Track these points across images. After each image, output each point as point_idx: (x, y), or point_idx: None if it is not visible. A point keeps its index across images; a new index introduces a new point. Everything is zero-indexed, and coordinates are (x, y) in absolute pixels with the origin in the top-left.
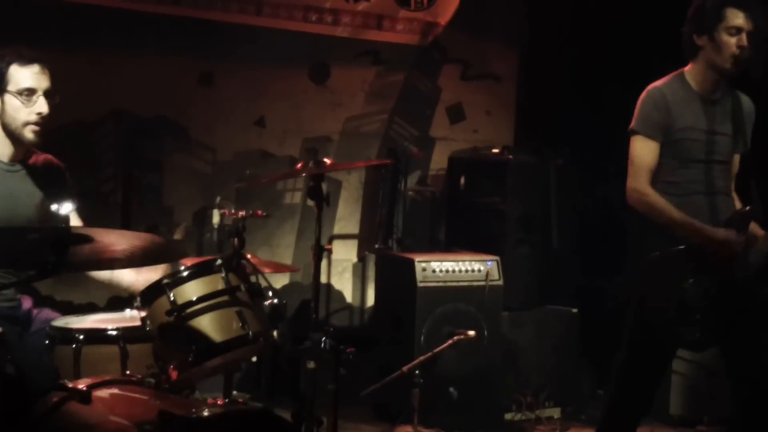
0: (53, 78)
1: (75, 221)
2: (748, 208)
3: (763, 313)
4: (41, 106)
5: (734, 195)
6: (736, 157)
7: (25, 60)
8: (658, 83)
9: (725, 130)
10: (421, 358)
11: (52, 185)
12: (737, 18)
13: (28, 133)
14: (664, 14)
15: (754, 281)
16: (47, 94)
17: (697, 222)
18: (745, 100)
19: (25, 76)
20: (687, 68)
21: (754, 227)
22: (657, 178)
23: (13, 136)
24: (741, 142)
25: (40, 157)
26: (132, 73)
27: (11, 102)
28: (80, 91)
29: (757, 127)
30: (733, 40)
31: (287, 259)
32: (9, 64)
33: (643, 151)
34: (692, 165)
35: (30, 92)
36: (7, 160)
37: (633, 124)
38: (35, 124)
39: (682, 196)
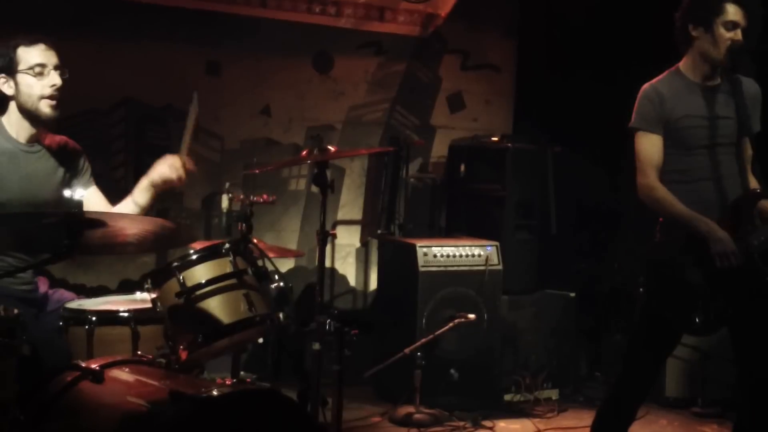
0: (66, 66)
1: (96, 197)
2: (759, 189)
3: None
4: (54, 78)
5: (751, 176)
6: (747, 139)
7: (30, 41)
8: (653, 81)
9: (727, 113)
10: (423, 340)
11: (70, 165)
12: (736, 14)
13: (45, 108)
14: (657, 2)
15: (757, 264)
16: (57, 68)
17: (701, 217)
18: (748, 82)
19: (33, 54)
20: (681, 62)
21: (764, 204)
22: (665, 167)
23: (30, 114)
24: (747, 124)
25: (56, 138)
26: (141, 62)
27: (24, 80)
28: (91, 81)
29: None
30: (729, 35)
31: (292, 244)
32: (15, 47)
33: (647, 145)
34: (697, 151)
35: (41, 67)
36: (25, 142)
37: (632, 121)
38: (50, 97)
39: (690, 183)
